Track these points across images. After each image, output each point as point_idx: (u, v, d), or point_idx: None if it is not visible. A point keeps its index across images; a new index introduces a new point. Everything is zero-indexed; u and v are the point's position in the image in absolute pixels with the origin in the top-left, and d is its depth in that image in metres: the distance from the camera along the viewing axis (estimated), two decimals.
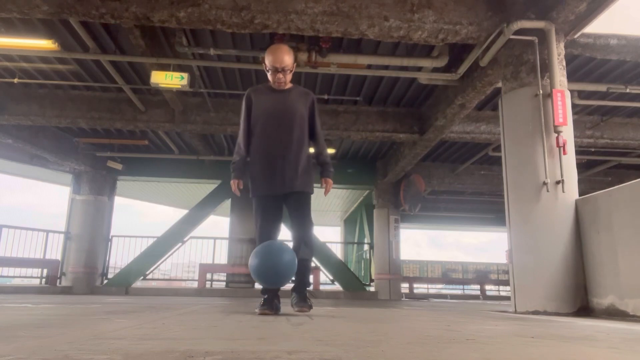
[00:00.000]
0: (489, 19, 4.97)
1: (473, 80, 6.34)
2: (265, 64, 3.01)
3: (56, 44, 6.02)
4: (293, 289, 3.03)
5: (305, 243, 2.99)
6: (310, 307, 2.95)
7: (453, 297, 15.89)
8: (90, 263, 11.08)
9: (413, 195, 11.50)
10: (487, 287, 16.72)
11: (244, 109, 3.12)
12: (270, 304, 2.94)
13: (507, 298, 14.44)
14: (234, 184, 3.07)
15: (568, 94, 4.50)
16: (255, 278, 2.86)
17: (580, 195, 4.26)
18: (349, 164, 11.94)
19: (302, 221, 3.00)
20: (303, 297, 2.96)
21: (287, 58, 2.96)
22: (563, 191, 4.17)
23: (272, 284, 2.92)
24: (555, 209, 4.16)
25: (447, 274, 16.93)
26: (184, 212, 12.69)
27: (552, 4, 4.50)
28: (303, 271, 2.97)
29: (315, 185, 3.16)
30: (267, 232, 3.00)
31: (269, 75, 3.02)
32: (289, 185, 2.96)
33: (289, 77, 3.03)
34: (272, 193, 2.98)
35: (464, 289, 17.06)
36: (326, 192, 3.15)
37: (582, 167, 10.74)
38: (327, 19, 4.84)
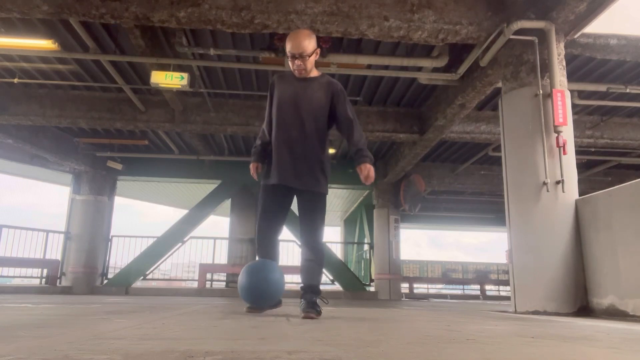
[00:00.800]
0: (489, 19, 4.97)
1: (473, 80, 6.34)
2: (286, 52, 2.86)
3: (56, 44, 6.02)
4: (301, 296, 2.85)
5: (312, 248, 2.84)
6: (319, 313, 2.75)
7: (453, 297, 15.89)
8: (90, 263, 11.08)
9: (413, 195, 11.49)
10: (487, 287, 16.72)
11: (268, 96, 2.99)
12: None
13: (507, 298, 14.44)
14: (252, 167, 2.95)
15: (568, 94, 4.50)
16: (242, 297, 2.76)
17: (580, 195, 4.26)
18: (349, 164, 11.94)
19: (311, 224, 2.84)
20: (311, 303, 2.78)
21: (307, 43, 2.76)
22: (563, 191, 4.17)
23: (257, 304, 2.82)
24: (555, 209, 4.16)
25: (447, 274, 16.93)
26: (184, 212, 12.70)
27: (552, 4, 4.50)
28: (309, 274, 2.84)
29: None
30: (266, 223, 2.88)
31: (289, 62, 2.87)
32: (299, 181, 2.79)
33: (309, 64, 2.83)
34: (279, 183, 2.81)
35: (464, 289, 17.05)
36: (365, 179, 2.79)
37: (582, 167, 10.74)
38: (327, 19, 4.84)
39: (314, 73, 2.94)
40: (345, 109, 2.90)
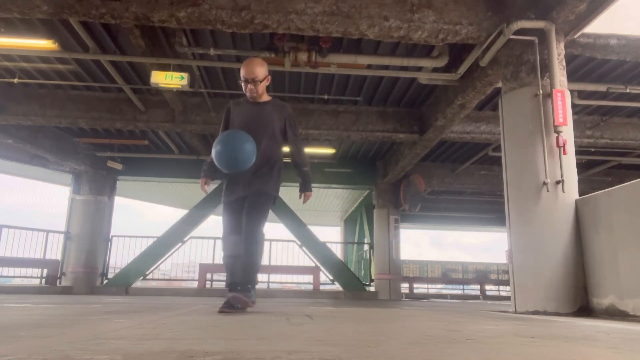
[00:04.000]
0: (489, 19, 4.97)
1: (473, 80, 6.34)
2: (240, 77, 3.18)
3: (56, 44, 6.01)
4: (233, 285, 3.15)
5: (252, 240, 3.05)
6: (253, 302, 3.09)
7: (453, 297, 15.88)
8: (90, 263, 11.07)
9: (413, 195, 11.49)
10: (487, 287, 16.70)
11: (223, 119, 3.34)
12: (231, 304, 3.00)
13: (507, 298, 14.44)
14: (202, 182, 3.28)
15: (568, 94, 4.49)
16: (217, 163, 2.95)
17: (580, 195, 4.26)
18: (349, 164, 11.93)
19: (250, 217, 3.06)
20: (245, 288, 3.05)
21: (258, 69, 3.12)
22: (563, 191, 4.17)
23: (231, 169, 3.01)
24: (555, 209, 4.16)
25: (447, 274, 16.92)
26: (184, 212, 12.69)
27: (552, 4, 4.50)
28: (245, 267, 3.06)
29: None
30: (233, 239, 3.13)
31: (243, 86, 3.18)
32: (248, 189, 3.15)
33: (260, 88, 3.18)
34: (235, 198, 3.18)
35: (464, 289, 17.04)
36: (305, 201, 3.37)
37: (582, 167, 10.73)
38: (327, 19, 4.83)
39: (265, 97, 3.28)
40: (293, 133, 3.30)
